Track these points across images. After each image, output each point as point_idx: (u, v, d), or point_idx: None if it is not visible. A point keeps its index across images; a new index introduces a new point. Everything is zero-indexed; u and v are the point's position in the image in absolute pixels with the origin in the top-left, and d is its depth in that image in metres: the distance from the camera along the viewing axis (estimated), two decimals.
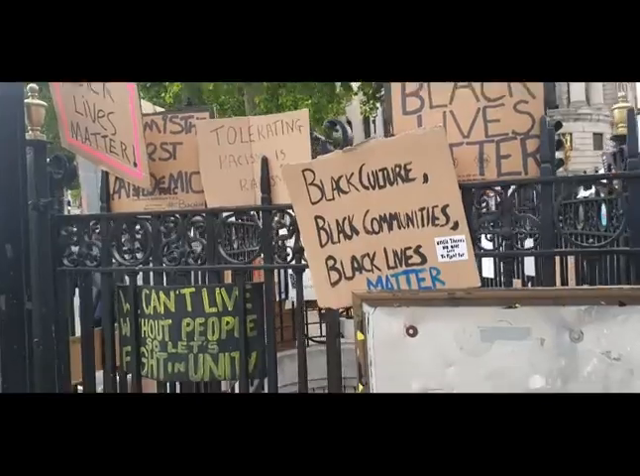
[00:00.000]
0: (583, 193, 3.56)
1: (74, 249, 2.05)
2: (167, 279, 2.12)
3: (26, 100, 2.02)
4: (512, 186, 1.61)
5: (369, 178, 1.55)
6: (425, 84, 1.69)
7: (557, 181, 1.64)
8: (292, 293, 6.03)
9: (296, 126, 1.90)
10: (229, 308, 1.89)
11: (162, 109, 2.61)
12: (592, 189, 3.25)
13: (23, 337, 2.04)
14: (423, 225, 1.52)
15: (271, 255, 1.87)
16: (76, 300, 2.20)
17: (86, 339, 2.08)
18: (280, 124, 1.93)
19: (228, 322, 1.88)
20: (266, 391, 2.46)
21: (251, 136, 1.98)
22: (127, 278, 2.09)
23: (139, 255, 2.03)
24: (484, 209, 1.68)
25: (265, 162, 1.88)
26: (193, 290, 1.91)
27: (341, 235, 1.62)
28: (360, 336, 1.54)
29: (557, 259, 2.09)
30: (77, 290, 2.19)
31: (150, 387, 2.08)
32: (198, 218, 1.99)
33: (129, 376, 2.08)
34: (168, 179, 2.05)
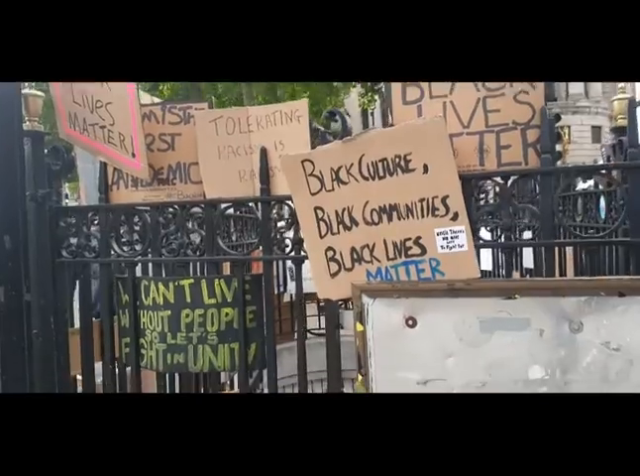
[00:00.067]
0: (581, 186, 3.57)
1: (73, 240, 2.05)
2: (166, 270, 2.11)
3: (23, 91, 2.01)
4: (512, 177, 1.61)
5: (368, 169, 1.54)
6: None
7: (557, 172, 1.64)
8: (290, 285, 6.04)
9: (295, 116, 1.89)
10: (228, 300, 1.88)
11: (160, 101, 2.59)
12: (591, 182, 3.25)
13: (22, 329, 2.04)
14: (423, 216, 1.51)
15: (271, 246, 1.87)
16: (77, 293, 2.20)
17: (85, 331, 2.08)
18: (279, 114, 1.92)
19: (227, 314, 1.88)
20: (264, 382, 2.47)
21: (249, 126, 1.97)
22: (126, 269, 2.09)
23: (137, 247, 2.03)
24: (483, 201, 1.68)
25: (263, 152, 1.87)
26: (192, 281, 1.91)
27: (340, 226, 1.62)
28: (359, 327, 1.54)
29: (555, 251, 2.09)
30: (78, 282, 2.19)
31: (149, 378, 2.08)
32: (197, 210, 1.99)
33: (128, 368, 2.08)
34: (167, 170, 2.04)
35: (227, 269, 2.68)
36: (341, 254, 1.63)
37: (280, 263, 5.68)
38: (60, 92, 2.10)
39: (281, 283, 5.96)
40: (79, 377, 2.14)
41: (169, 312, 1.91)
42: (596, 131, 29.83)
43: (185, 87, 15.19)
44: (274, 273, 3.98)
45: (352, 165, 1.56)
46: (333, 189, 1.60)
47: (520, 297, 1.40)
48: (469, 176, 1.58)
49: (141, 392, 2.02)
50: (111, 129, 2.02)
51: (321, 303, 6.44)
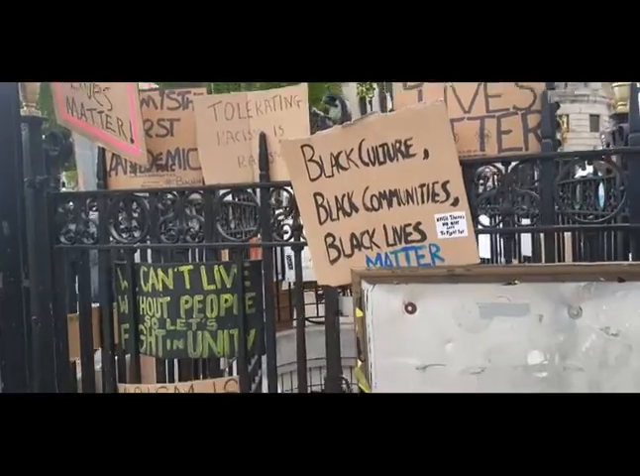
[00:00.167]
0: (580, 173, 3.56)
1: (72, 226, 2.04)
2: (165, 257, 2.11)
3: None
4: (513, 162, 1.61)
5: (368, 154, 1.54)
6: None
7: (558, 157, 1.64)
8: (289, 274, 6.05)
9: (295, 101, 1.88)
10: (227, 286, 1.88)
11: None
12: (590, 169, 3.25)
13: (21, 315, 2.04)
14: (423, 202, 1.51)
15: (270, 233, 1.86)
16: None
17: (84, 317, 2.08)
18: (279, 99, 1.91)
19: (227, 300, 1.88)
20: (263, 369, 2.47)
21: (249, 112, 1.96)
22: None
23: (136, 233, 2.02)
24: (482, 188, 1.68)
25: (263, 138, 1.86)
26: (191, 267, 1.91)
27: (340, 212, 1.61)
28: (358, 313, 1.54)
29: (553, 238, 2.09)
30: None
31: (148, 364, 2.08)
32: (196, 196, 1.98)
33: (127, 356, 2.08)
34: (166, 156, 2.03)
35: (225, 256, 2.68)
36: (340, 240, 1.63)
37: (279, 251, 5.68)
38: None
39: (279, 271, 5.97)
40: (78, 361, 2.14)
41: (169, 299, 1.91)
42: (595, 119, 29.78)
43: None
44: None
45: (352, 150, 1.55)
46: (333, 175, 1.59)
47: (520, 282, 1.40)
48: (469, 161, 1.57)
49: (140, 378, 2.03)
50: (109, 114, 2.00)
51: (319, 292, 6.46)
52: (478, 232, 1.53)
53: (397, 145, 1.50)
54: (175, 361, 2.15)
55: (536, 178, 2.85)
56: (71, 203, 2.05)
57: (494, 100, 1.62)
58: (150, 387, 1.96)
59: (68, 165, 2.45)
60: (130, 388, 2.00)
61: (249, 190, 1.94)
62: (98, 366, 2.14)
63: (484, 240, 4.24)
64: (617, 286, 1.33)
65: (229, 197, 2.05)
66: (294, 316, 6.26)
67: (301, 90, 1.92)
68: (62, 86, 2.09)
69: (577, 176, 3.49)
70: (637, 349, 1.33)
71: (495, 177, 1.92)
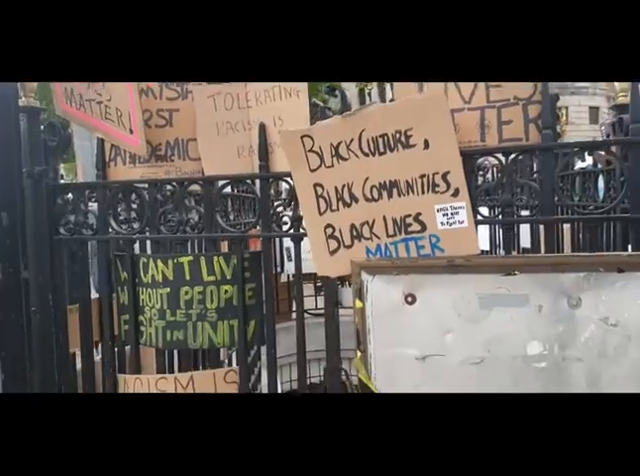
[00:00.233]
0: (579, 165, 3.56)
1: (71, 217, 2.03)
2: (164, 248, 2.11)
3: None
4: (514, 153, 1.60)
5: (368, 145, 1.53)
6: None
7: (559, 148, 1.63)
8: (287, 266, 6.06)
9: (294, 92, 1.87)
10: (227, 277, 1.88)
11: None
12: (589, 161, 3.24)
13: (20, 306, 2.04)
14: (423, 192, 1.51)
15: (269, 224, 1.86)
16: None
17: (84, 308, 2.08)
18: (278, 90, 1.90)
19: (226, 291, 1.88)
20: (262, 360, 2.48)
21: (248, 102, 1.95)
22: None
23: (135, 224, 2.02)
24: (481, 179, 1.68)
25: (262, 128, 1.85)
26: (191, 258, 1.91)
27: (340, 203, 1.61)
28: (358, 304, 1.55)
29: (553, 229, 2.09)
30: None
31: (148, 355, 2.09)
32: (195, 187, 1.98)
33: (127, 347, 2.09)
34: (165, 147, 2.02)
35: (225, 248, 2.67)
36: (340, 231, 1.63)
37: (277, 243, 5.68)
38: None
39: (278, 263, 5.97)
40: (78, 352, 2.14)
41: (169, 290, 1.91)
42: (594, 112, 29.72)
43: None
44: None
45: (352, 140, 1.55)
46: (332, 165, 1.59)
47: (519, 273, 1.40)
48: (470, 151, 1.57)
49: (140, 369, 2.03)
50: (108, 105, 1.99)
51: (318, 284, 6.46)
52: (477, 223, 1.53)
53: (397, 135, 1.50)
54: (175, 352, 2.16)
55: (535, 169, 2.86)
56: (70, 194, 2.04)
57: (495, 91, 1.62)
58: (150, 378, 1.96)
59: (67, 157, 2.44)
60: (130, 379, 2.00)
61: (248, 181, 1.94)
62: (98, 357, 2.14)
63: (483, 232, 4.24)
64: (616, 276, 1.33)
65: (228, 189, 2.05)
66: (293, 308, 6.29)
67: None
68: None
69: (576, 167, 3.49)
70: (636, 339, 1.33)
71: (494, 169, 1.92)
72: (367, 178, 1.56)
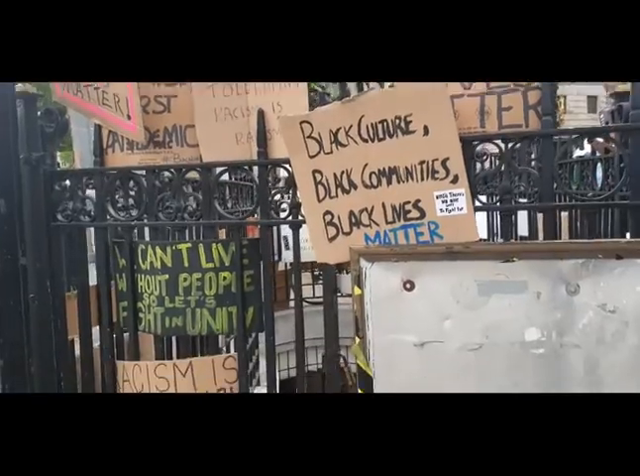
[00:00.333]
0: (577, 153, 3.56)
1: (69, 204, 2.03)
2: (163, 235, 2.10)
3: None
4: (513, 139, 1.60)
5: (368, 131, 1.53)
6: None
7: (559, 134, 1.63)
8: (285, 254, 6.06)
9: None
10: (226, 264, 1.88)
11: None
12: (588, 149, 3.25)
13: (18, 293, 2.04)
14: (422, 179, 1.51)
15: (268, 211, 1.86)
16: None
17: (82, 295, 2.08)
18: None
19: (225, 277, 1.88)
20: (260, 348, 2.49)
21: (247, 87, 1.93)
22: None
23: (133, 211, 2.01)
24: (478, 166, 1.67)
25: (261, 114, 1.84)
26: (190, 245, 1.90)
27: (339, 189, 1.61)
28: (357, 291, 1.55)
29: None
30: None
31: (147, 342, 2.09)
32: (193, 175, 1.97)
33: (126, 334, 2.09)
34: (163, 133, 2.01)
35: (222, 236, 2.67)
36: (339, 218, 1.63)
37: (275, 231, 5.67)
38: None
39: (276, 252, 5.98)
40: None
41: (167, 276, 1.91)
42: (592, 101, 29.62)
43: None
44: None
45: (351, 126, 1.54)
46: (332, 152, 1.59)
47: (518, 260, 1.40)
48: (469, 138, 1.57)
49: (138, 355, 2.04)
50: (105, 90, 1.98)
51: (315, 272, 6.47)
52: (476, 210, 1.53)
53: (397, 121, 1.49)
54: (174, 338, 2.16)
55: (533, 156, 2.86)
56: (68, 181, 2.04)
57: None
58: (148, 364, 1.97)
59: (63, 145, 2.43)
60: (129, 365, 2.01)
61: (246, 168, 1.93)
62: (96, 344, 2.15)
63: (481, 220, 4.25)
64: (615, 263, 1.34)
65: (226, 177, 2.04)
66: (291, 297, 6.31)
67: None
68: None
69: (574, 156, 3.49)
70: (634, 326, 1.34)
71: (492, 157, 1.92)
72: (366, 165, 1.56)
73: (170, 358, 2.14)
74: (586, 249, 1.38)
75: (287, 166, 1.74)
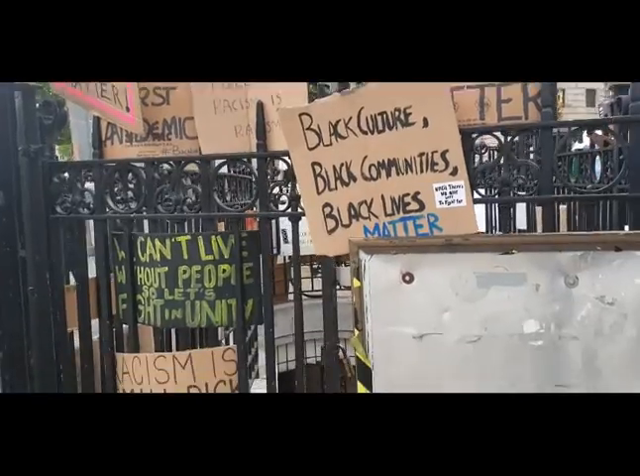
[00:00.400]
0: (576, 146, 3.56)
1: (67, 196, 2.02)
2: (162, 227, 2.10)
3: None
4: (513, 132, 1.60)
5: (367, 123, 1.53)
6: None
7: (559, 126, 1.63)
8: (284, 247, 6.06)
9: None
10: (225, 256, 1.88)
11: None
12: (586, 142, 3.25)
13: (17, 285, 2.04)
14: (422, 171, 1.51)
15: (267, 203, 1.85)
16: None
17: (81, 287, 2.08)
18: None
19: (224, 270, 1.88)
20: (259, 341, 2.50)
21: None
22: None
23: (132, 204, 2.01)
24: (477, 158, 1.67)
25: (260, 106, 1.84)
26: (189, 237, 1.90)
27: (338, 182, 1.61)
28: (356, 283, 1.55)
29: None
30: None
31: (146, 334, 2.09)
32: (192, 167, 1.97)
33: (125, 327, 2.09)
34: (162, 125, 2.00)
35: (222, 229, 2.67)
36: (338, 210, 1.63)
37: (274, 225, 5.67)
38: None
39: (274, 245, 5.98)
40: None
41: (167, 269, 1.91)
42: (591, 94, 29.61)
43: None
44: None
45: (350, 118, 1.54)
46: (331, 144, 1.58)
47: (517, 252, 1.41)
48: (469, 130, 1.56)
49: (138, 348, 2.04)
50: (104, 82, 1.97)
51: (314, 265, 6.48)
52: (475, 202, 1.53)
53: (397, 113, 1.49)
54: (173, 331, 2.16)
55: (532, 149, 2.86)
56: (67, 173, 2.03)
57: None
58: (148, 356, 1.97)
59: (62, 138, 2.42)
60: (128, 357, 2.01)
61: (245, 160, 1.93)
62: (96, 336, 2.15)
63: (480, 213, 4.24)
64: (614, 255, 1.34)
65: (225, 170, 2.03)
66: (289, 290, 6.31)
67: None
68: None
69: (573, 149, 3.49)
70: (632, 318, 1.34)
71: (490, 151, 1.92)
72: (365, 157, 1.56)
73: (170, 350, 2.14)
74: (585, 241, 1.38)
75: (287, 158, 1.74)
